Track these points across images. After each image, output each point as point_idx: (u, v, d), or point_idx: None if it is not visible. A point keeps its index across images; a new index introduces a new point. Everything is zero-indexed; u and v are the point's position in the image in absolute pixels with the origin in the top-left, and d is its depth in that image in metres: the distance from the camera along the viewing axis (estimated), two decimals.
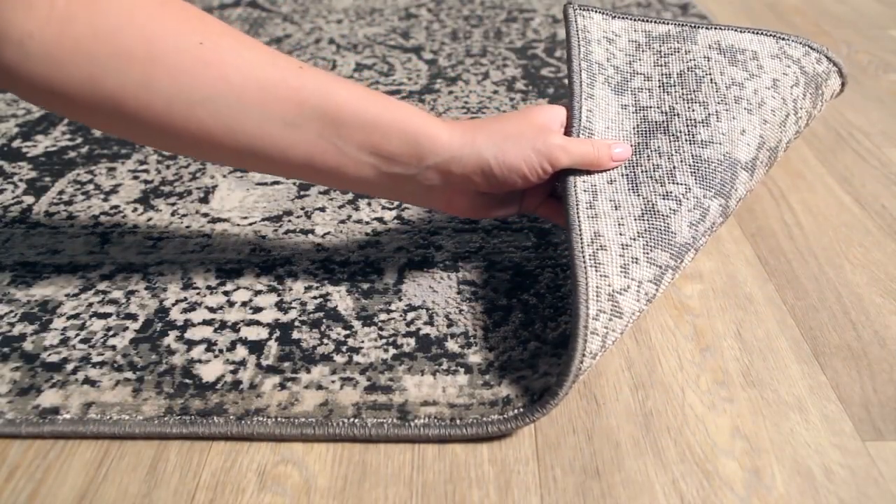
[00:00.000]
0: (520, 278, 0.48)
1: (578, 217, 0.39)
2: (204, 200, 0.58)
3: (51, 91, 0.35)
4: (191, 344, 0.43)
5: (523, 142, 0.40)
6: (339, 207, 0.57)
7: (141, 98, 0.35)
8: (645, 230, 0.38)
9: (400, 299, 0.47)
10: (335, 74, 0.43)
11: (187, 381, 0.41)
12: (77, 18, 0.34)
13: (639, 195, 0.40)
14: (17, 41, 0.33)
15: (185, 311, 0.46)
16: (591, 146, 0.42)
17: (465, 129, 0.41)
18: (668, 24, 0.49)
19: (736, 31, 0.47)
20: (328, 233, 0.54)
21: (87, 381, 0.41)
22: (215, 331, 0.44)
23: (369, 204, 0.57)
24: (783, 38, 0.46)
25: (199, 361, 0.42)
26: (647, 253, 0.38)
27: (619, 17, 0.49)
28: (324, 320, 0.45)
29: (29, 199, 0.59)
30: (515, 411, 0.37)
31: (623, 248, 0.38)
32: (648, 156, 0.42)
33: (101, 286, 0.48)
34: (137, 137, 0.40)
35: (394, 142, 0.40)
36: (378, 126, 0.39)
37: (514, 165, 0.40)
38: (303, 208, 0.57)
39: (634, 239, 0.38)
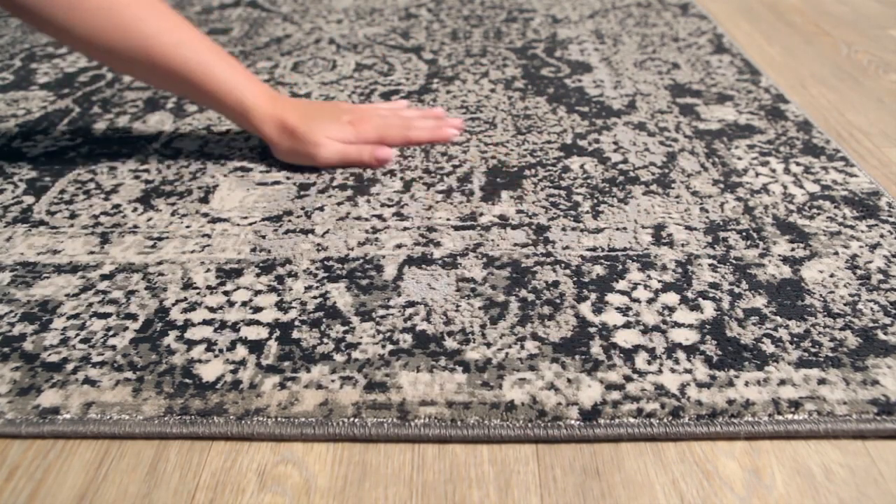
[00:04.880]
0: (518, 275, 0.48)
1: None
2: (204, 200, 0.58)
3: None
4: (191, 344, 0.43)
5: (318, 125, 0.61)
6: (338, 205, 0.57)
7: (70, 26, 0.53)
8: None
9: (399, 295, 0.47)
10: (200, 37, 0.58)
11: (187, 380, 0.41)
12: None
13: None
14: None
15: (185, 311, 0.46)
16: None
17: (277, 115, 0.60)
18: None
19: None
20: (327, 231, 0.54)
21: (87, 381, 0.41)
22: (215, 331, 0.44)
23: (368, 201, 0.57)
24: None
25: (199, 361, 0.42)
26: None
27: None
28: (324, 319, 0.45)
29: (29, 199, 0.59)
30: (521, 422, 0.38)
31: None
32: None
33: (101, 286, 0.48)
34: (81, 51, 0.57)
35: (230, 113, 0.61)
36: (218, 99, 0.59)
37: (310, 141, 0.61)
38: (303, 208, 0.57)
39: None
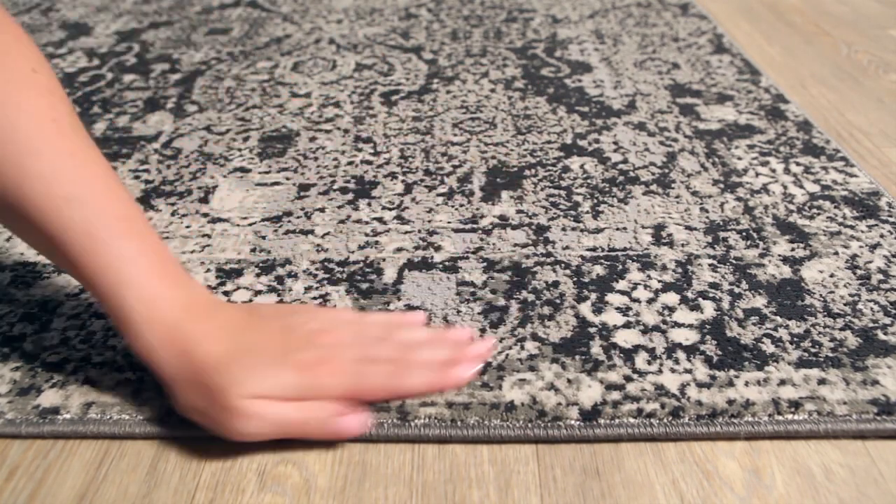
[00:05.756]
0: (518, 276, 0.48)
1: None
2: (204, 200, 0.58)
3: None
4: None
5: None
6: (339, 207, 0.57)
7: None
8: None
9: (399, 299, 0.47)
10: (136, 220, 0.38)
11: None
12: None
13: None
14: None
15: None
16: None
17: (173, 348, 0.36)
18: None
19: None
20: (328, 233, 0.54)
21: (87, 381, 0.41)
22: None
23: (369, 204, 0.57)
24: None
25: None
26: None
27: None
28: None
29: None
30: (521, 422, 0.38)
31: None
32: None
33: None
34: None
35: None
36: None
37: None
38: (302, 209, 0.57)
39: None
